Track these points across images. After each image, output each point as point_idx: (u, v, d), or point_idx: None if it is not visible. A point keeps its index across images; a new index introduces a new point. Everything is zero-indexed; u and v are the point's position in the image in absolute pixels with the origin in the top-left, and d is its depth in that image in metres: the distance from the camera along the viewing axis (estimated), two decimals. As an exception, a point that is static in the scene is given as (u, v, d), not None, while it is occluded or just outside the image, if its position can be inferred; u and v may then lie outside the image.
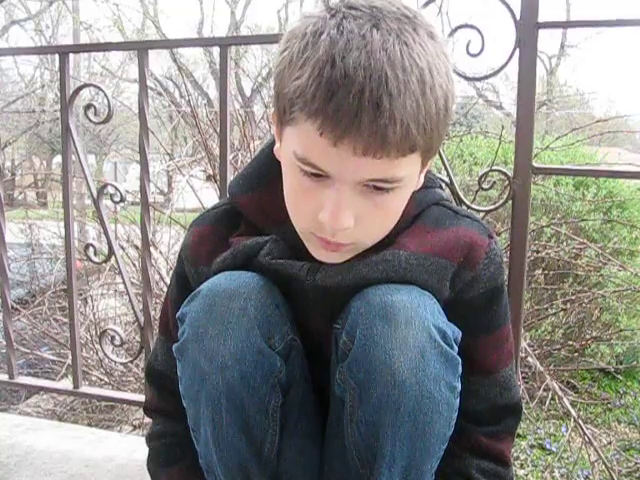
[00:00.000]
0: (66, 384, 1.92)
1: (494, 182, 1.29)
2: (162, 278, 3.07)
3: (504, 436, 0.99)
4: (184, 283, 1.00)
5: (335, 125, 0.73)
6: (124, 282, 1.66)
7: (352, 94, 0.72)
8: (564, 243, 3.36)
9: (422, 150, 0.79)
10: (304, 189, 0.81)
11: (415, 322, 0.79)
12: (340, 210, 0.78)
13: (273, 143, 0.92)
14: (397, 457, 0.81)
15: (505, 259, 0.99)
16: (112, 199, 1.57)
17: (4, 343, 1.79)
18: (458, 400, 0.84)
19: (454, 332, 0.85)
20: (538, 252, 3.14)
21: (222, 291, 0.85)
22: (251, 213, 0.96)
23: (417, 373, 0.78)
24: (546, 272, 3.25)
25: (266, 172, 0.95)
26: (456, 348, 0.84)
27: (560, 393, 2.62)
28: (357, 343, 0.80)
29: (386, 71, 0.72)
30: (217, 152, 1.53)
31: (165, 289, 3.05)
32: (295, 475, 0.92)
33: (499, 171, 1.27)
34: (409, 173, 0.80)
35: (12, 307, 1.77)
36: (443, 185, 1.02)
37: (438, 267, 0.88)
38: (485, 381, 0.95)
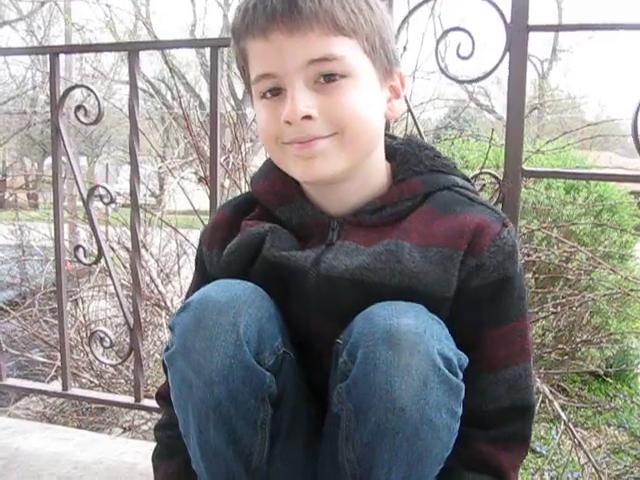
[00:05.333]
0: (56, 386, 1.91)
1: (484, 185, 1.30)
2: (152, 280, 3.05)
3: (510, 445, 0.93)
4: (201, 265, 1.04)
5: (256, 20, 0.85)
6: (114, 284, 1.66)
7: None
8: (555, 247, 3.37)
9: (352, 33, 0.85)
10: (269, 112, 0.89)
11: (420, 349, 0.77)
12: (296, 100, 0.85)
13: None
14: (392, 479, 0.80)
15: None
16: (102, 200, 1.57)
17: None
18: (459, 424, 0.82)
19: (460, 359, 0.82)
20: (529, 255, 3.14)
21: (212, 304, 0.84)
22: (263, 196, 1.00)
23: (418, 401, 0.76)
24: (537, 276, 3.26)
25: None
26: (461, 375, 0.82)
27: (550, 396, 2.63)
28: (358, 366, 0.79)
29: None
30: (209, 154, 1.53)
31: (155, 291, 3.05)
32: None
33: (489, 174, 1.28)
34: (349, 56, 0.86)
35: (2, 309, 1.76)
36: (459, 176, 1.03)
37: (442, 257, 0.87)
38: (491, 378, 0.91)
